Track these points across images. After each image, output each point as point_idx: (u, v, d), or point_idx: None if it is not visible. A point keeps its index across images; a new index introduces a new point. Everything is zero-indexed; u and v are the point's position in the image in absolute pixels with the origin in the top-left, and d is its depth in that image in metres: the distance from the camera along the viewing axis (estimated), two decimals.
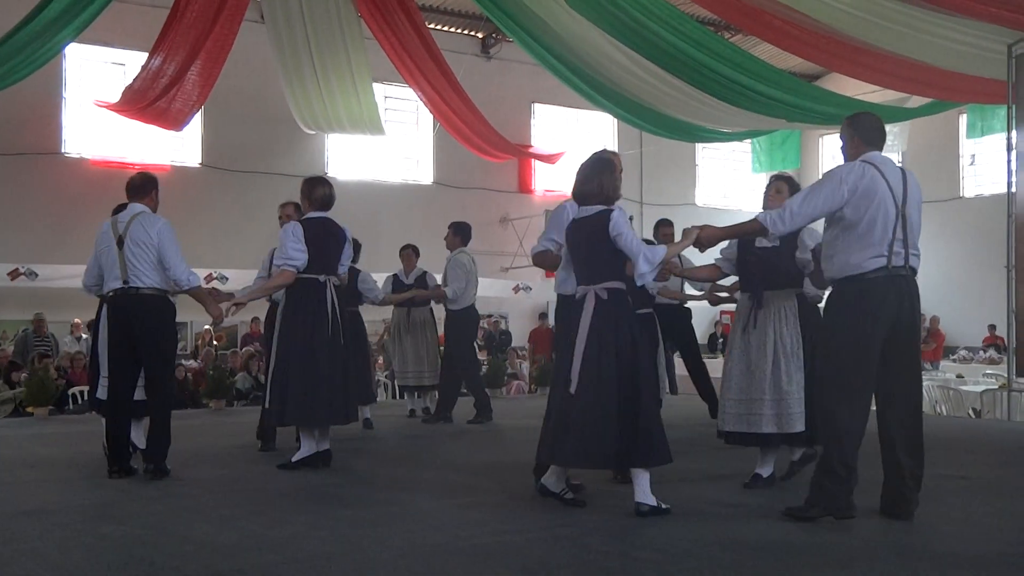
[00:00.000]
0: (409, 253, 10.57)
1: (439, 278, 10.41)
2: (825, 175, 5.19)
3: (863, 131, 5.28)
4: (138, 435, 7.21)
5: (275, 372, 6.88)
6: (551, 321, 17.57)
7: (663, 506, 5.14)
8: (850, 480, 5.00)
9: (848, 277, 5.06)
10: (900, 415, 5.11)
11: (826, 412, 5.10)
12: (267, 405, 7.00)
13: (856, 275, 5.03)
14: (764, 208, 5.87)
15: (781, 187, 6.08)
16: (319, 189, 7.06)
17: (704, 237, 5.39)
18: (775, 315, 5.94)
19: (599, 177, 5.46)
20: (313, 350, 6.75)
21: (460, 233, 10.24)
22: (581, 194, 5.49)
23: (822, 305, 5.60)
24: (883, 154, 5.25)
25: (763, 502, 5.62)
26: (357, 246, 9.86)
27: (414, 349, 10.49)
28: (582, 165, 5.57)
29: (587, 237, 5.40)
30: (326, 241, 6.93)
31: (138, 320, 6.48)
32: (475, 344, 10.46)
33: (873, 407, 5.16)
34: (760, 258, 5.98)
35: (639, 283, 5.42)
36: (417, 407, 10.83)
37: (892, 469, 5.12)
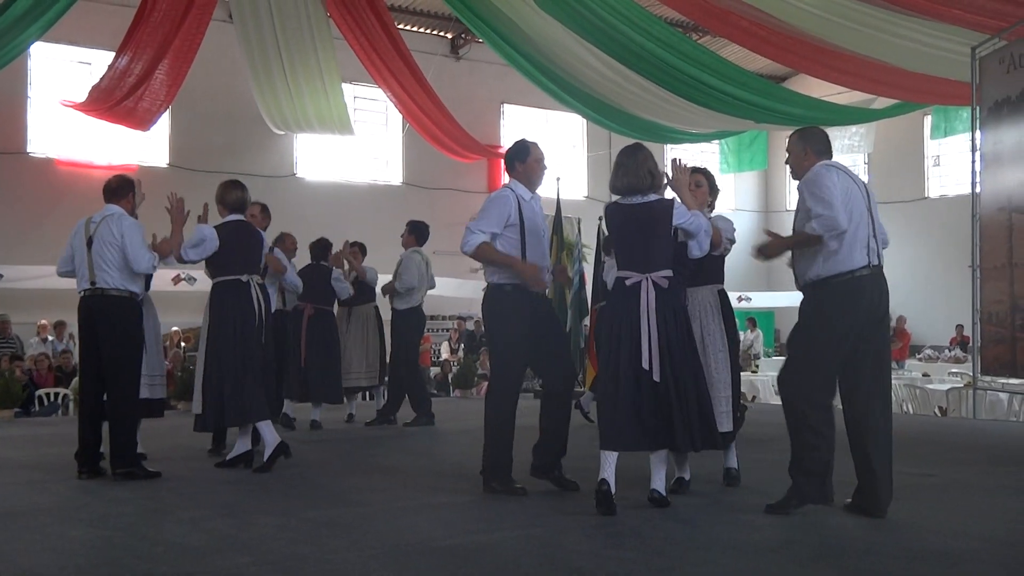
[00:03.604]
0: (356, 251, 10.41)
1: (387, 278, 10.26)
2: (808, 187, 5.20)
3: (815, 143, 5.42)
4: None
5: (207, 375, 6.87)
6: None
7: (668, 499, 5.33)
8: (825, 472, 5.14)
9: (836, 275, 5.13)
10: (875, 407, 5.20)
11: (800, 405, 5.17)
12: (198, 410, 6.94)
13: (845, 272, 5.11)
14: (682, 202, 5.80)
15: (700, 180, 6.09)
16: (232, 193, 7.20)
17: (771, 248, 5.49)
18: (699, 311, 5.93)
19: (647, 165, 5.44)
20: (245, 351, 6.81)
21: (416, 232, 10.16)
22: (627, 186, 5.44)
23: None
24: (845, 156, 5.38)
25: (735, 500, 5.67)
26: (327, 244, 9.88)
27: (357, 348, 10.19)
28: (620, 158, 5.52)
29: (642, 225, 5.38)
30: (243, 242, 7.05)
31: (103, 320, 6.52)
32: (418, 346, 10.26)
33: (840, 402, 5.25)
34: (682, 252, 5.93)
35: (695, 255, 5.51)
36: (356, 411, 10.50)
37: (865, 465, 5.17)
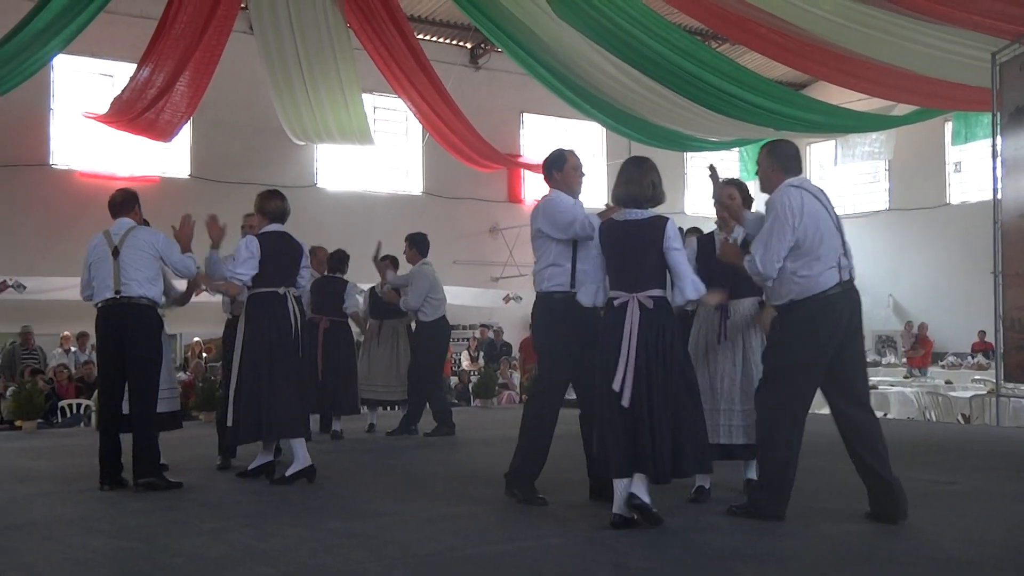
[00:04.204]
0: (387, 264, 10.46)
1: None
2: (769, 212, 5.28)
3: (782, 159, 5.43)
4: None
5: (239, 388, 6.83)
6: None
7: (655, 509, 5.09)
8: (784, 489, 5.20)
9: (809, 297, 5.17)
10: (861, 419, 5.24)
11: (771, 424, 5.23)
12: (230, 422, 6.91)
13: (817, 294, 5.16)
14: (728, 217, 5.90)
15: (733, 193, 6.07)
16: (272, 202, 7.06)
17: (725, 253, 5.57)
18: (741, 323, 5.95)
19: (649, 177, 5.29)
20: (282, 365, 6.75)
21: (416, 245, 10.08)
22: (629, 196, 5.27)
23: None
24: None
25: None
26: (344, 257, 9.88)
27: (384, 362, 10.20)
28: (625, 167, 5.38)
29: (634, 242, 5.21)
30: (283, 255, 6.96)
31: (127, 329, 6.53)
32: (442, 357, 10.22)
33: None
34: (725, 267, 5.96)
35: (677, 303, 5.35)
36: (377, 421, 10.47)
37: (874, 472, 5.19)
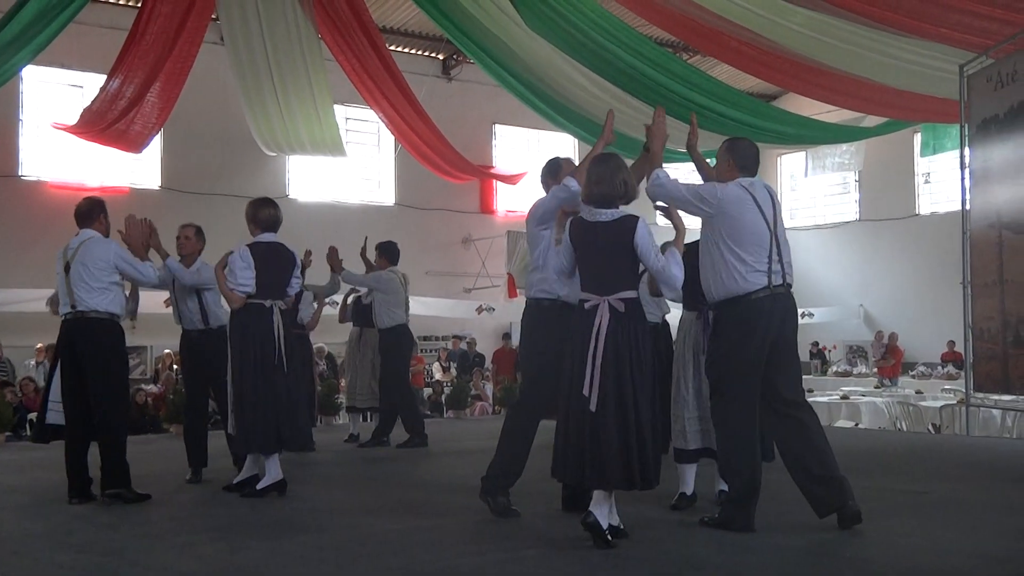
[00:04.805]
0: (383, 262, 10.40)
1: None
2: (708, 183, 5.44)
3: (739, 157, 5.50)
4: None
5: (234, 400, 6.78)
6: (515, 342, 17.57)
7: (622, 527, 5.04)
8: (752, 496, 5.22)
9: (733, 298, 5.24)
10: (797, 426, 5.28)
11: (731, 438, 5.27)
12: (231, 431, 6.92)
13: (740, 295, 5.22)
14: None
15: None
16: (264, 210, 6.96)
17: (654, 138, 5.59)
18: None
19: (620, 174, 5.12)
20: (264, 378, 6.68)
21: (386, 253, 10.08)
22: (600, 195, 5.08)
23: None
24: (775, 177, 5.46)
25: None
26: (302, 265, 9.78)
27: (365, 370, 10.25)
28: (593, 165, 5.23)
29: (603, 243, 5.06)
30: (275, 265, 6.85)
31: (85, 343, 6.47)
32: (404, 366, 10.16)
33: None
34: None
35: (671, 299, 5.40)
36: (359, 431, 10.48)
37: (804, 476, 5.25)
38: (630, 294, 5.04)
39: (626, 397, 4.90)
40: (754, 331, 5.21)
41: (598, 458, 4.88)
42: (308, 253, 9.19)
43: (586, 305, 5.08)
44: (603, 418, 4.88)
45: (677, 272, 5.08)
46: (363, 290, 10.38)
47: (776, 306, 5.26)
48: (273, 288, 6.83)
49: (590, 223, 5.15)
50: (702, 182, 5.87)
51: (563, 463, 5.06)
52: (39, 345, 15.81)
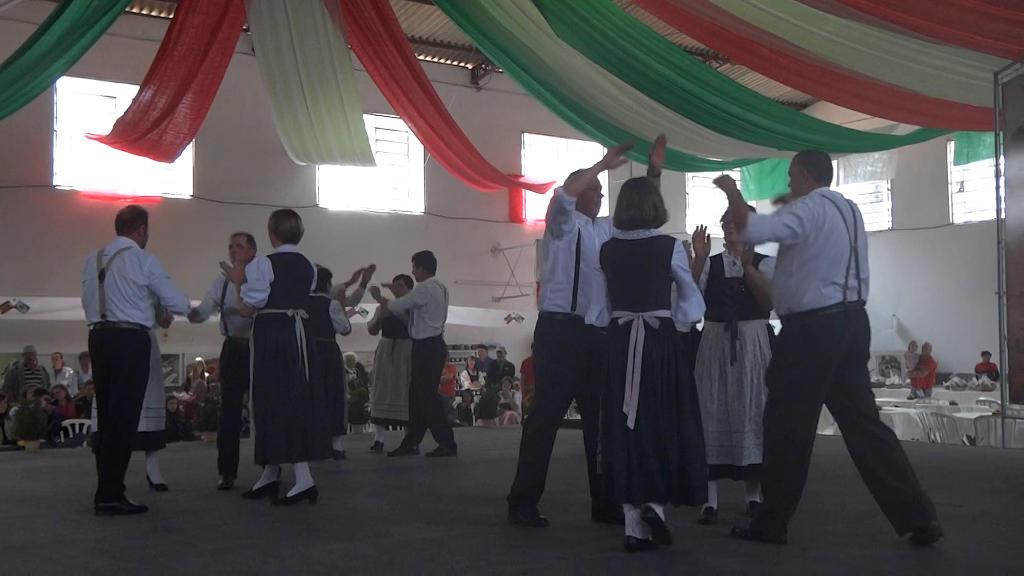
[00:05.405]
0: (401, 283, 10.46)
1: None
2: (788, 207, 5.26)
3: (814, 168, 5.40)
4: (152, 469, 7.36)
5: (256, 410, 6.81)
6: None
7: (650, 539, 5.03)
8: (789, 509, 5.16)
9: (805, 312, 5.15)
10: (879, 444, 5.17)
11: (780, 450, 5.18)
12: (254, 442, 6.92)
13: (815, 309, 5.12)
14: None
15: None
16: (286, 222, 7.03)
17: (728, 191, 5.36)
18: (751, 345, 5.94)
19: (649, 199, 5.23)
20: (287, 387, 6.71)
21: (424, 263, 10.09)
22: (632, 220, 5.23)
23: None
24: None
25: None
26: (326, 275, 9.82)
27: (394, 381, 10.25)
28: (624, 192, 5.33)
29: (639, 261, 5.16)
30: (294, 276, 6.91)
31: (114, 353, 6.50)
32: (436, 377, 10.15)
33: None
34: (734, 287, 5.97)
35: (681, 320, 5.31)
36: (384, 439, 10.48)
37: (887, 494, 5.13)
38: (664, 313, 5.11)
39: (661, 414, 4.97)
40: (823, 346, 5.10)
41: (650, 474, 4.93)
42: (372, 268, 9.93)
43: (620, 321, 5.14)
44: (644, 434, 4.95)
45: (696, 314, 5.23)
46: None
47: (848, 323, 5.15)
48: (295, 298, 6.90)
49: (623, 241, 5.24)
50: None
51: (608, 482, 5.07)
52: (56, 352, 15.96)
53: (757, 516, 5.35)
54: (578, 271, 5.80)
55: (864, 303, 5.27)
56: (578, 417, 6.09)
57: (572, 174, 5.85)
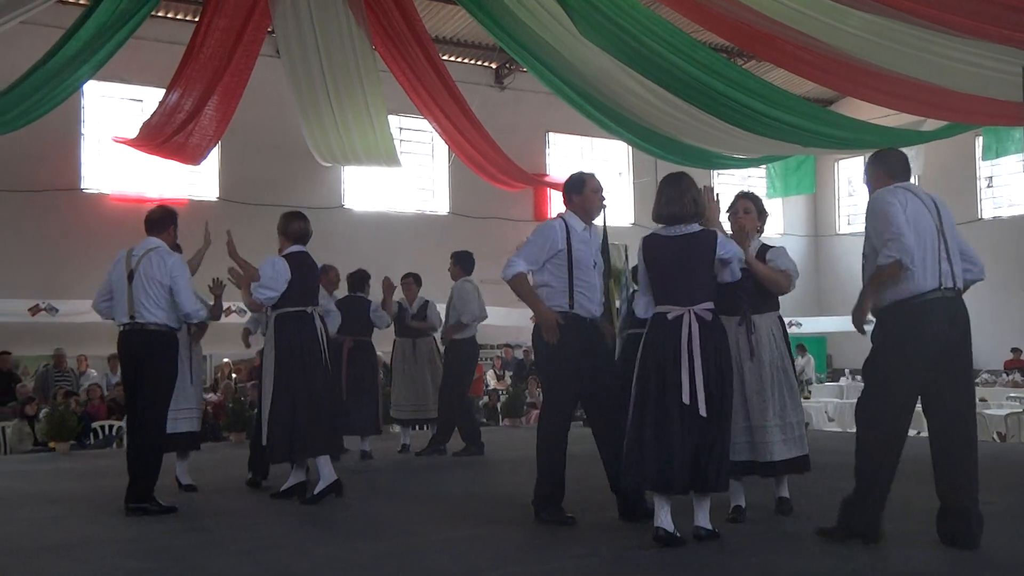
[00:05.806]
0: (410, 282, 10.47)
1: (442, 308, 10.31)
2: (870, 210, 5.12)
3: (888, 165, 5.29)
4: (181, 471, 7.41)
5: (275, 408, 6.82)
6: None
7: (716, 530, 5.15)
8: (880, 505, 4.99)
9: (903, 300, 4.99)
10: (953, 442, 5.07)
11: (865, 435, 5.08)
12: (264, 442, 6.91)
13: (911, 297, 4.97)
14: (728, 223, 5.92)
15: (748, 207, 6.03)
16: (295, 223, 7.13)
17: (859, 313, 5.14)
18: (767, 337, 5.88)
19: (689, 194, 5.29)
20: (312, 383, 6.77)
21: (462, 263, 10.19)
22: (672, 215, 5.29)
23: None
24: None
25: (790, 529, 5.57)
26: (365, 276, 9.87)
27: (420, 381, 10.26)
28: (663, 187, 5.38)
29: (684, 257, 5.23)
30: (306, 274, 7.02)
31: (142, 354, 6.55)
32: (471, 377, 10.19)
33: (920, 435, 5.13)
34: (745, 280, 5.78)
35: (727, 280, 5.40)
36: (410, 441, 10.48)
37: (948, 497, 5.04)
38: (711, 306, 5.19)
39: (718, 404, 5.10)
40: (920, 334, 4.95)
41: (697, 462, 5.03)
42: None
43: (669, 316, 5.17)
44: (706, 422, 5.03)
45: (737, 268, 5.41)
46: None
47: (945, 309, 5.03)
48: (312, 295, 7.04)
49: (665, 237, 5.32)
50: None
51: (638, 474, 5.10)
52: (80, 354, 16.10)
53: (844, 510, 5.11)
54: (571, 274, 5.83)
55: (960, 291, 5.15)
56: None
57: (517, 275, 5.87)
